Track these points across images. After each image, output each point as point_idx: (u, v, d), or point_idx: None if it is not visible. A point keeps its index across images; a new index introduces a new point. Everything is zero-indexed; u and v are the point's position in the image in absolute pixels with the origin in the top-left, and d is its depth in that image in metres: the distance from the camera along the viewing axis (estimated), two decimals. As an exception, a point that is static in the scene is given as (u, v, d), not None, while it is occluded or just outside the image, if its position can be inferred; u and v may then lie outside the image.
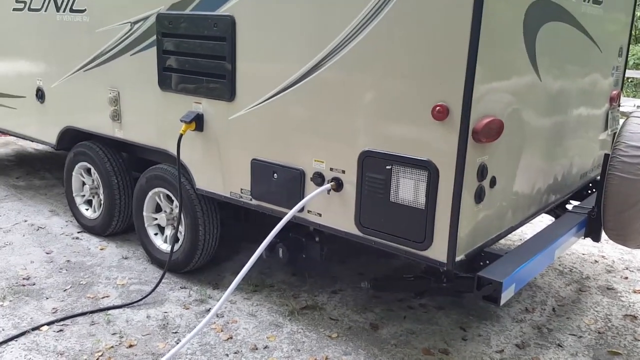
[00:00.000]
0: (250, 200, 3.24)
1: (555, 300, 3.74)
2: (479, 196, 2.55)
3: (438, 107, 2.38)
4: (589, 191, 4.08)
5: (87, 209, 4.57)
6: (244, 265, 2.75)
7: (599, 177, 4.13)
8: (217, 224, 3.72)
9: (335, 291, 3.71)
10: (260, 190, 3.15)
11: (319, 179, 2.87)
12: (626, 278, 4.15)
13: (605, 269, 4.29)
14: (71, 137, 4.46)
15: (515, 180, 2.88)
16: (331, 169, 2.83)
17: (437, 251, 2.54)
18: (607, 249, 4.63)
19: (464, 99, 2.32)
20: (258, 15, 2.95)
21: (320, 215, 2.94)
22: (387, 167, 2.60)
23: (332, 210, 2.88)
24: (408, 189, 2.55)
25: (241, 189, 3.27)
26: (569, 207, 3.76)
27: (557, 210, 3.80)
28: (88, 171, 4.46)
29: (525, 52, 2.68)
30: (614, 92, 4.07)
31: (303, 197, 2.95)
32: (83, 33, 3.98)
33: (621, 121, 3.47)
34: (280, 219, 2.96)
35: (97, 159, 4.26)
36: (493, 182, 2.64)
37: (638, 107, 6.34)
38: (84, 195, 4.56)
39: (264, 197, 3.15)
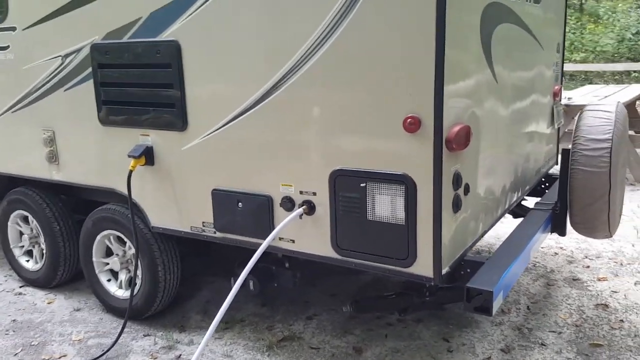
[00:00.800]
0: (214, 233, 3.05)
1: (527, 297, 3.75)
2: (457, 205, 2.49)
3: (409, 119, 2.31)
4: (542, 186, 4.16)
5: (27, 261, 4.19)
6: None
7: (551, 172, 4.24)
8: (177, 261, 3.49)
9: (310, 317, 3.56)
10: (225, 221, 2.97)
11: (288, 203, 2.73)
12: (588, 267, 4.24)
13: (566, 260, 4.37)
14: (2, 184, 4.09)
15: (484, 184, 2.85)
16: (301, 192, 2.70)
17: (422, 266, 2.45)
18: (563, 240, 4.73)
19: (435, 108, 2.26)
20: (205, 38, 2.79)
21: (293, 241, 2.80)
22: (362, 184, 2.50)
23: (306, 235, 2.74)
24: (385, 206, 2.46)
25: (203, 222, 3.07)
26: (524, 204, 3.80)
27: (515, 209, 3.83)
28: (25, 219, 4.09)
29: (483, 55, 2.67)
30: (556, 87, 4.18)
31: (273, 225, 2.80)
32: (8, 71, 3.66)
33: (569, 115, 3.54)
34: (248, 249, 2.80)
35: (34, 205, 3.92)
36: (467, 189, 2.59)
37: (569, 99, 6.61)
38: (22, 246, 4.18)
39: (229, 228, 2.97)
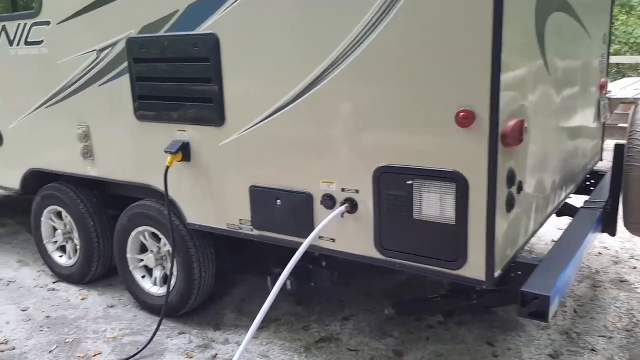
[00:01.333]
0: (252, 231, 2.97)
1: (574, 300, 3.60)
2: (510, 204, 2.37)
3: (463, 113, 2.19)
4: (588, 183, 3.99)
5: (61, 256, 4.18)
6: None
7: (596, 169, 4.06)
8: (212, 259, 3.43)
9: (347, 317, 3.46)
10: (263, 219, 2.89)
11: (329, 201, 2.63)
12: (635, 268, 4.06)
13: (611, 261, 4.20)
14: (37, 180, 4.07)
15: (535, 181, 2.71)
16: (343, 190, 2.60)
17: (473, 269, 2.33)
18: (607, 239, 4.54)
19: (492, 101, 2.13)
20: (244, 31, 2.70)
21: (333, 240, 2.70)
22: (408, 182, 2.39)
23: (348, 234, 2.64)
24: (434, 204, 2.34)
25: (240, 220, 2.99)
26: (569, 202, 3.63)
27: (561, 208, 3.67)
28: (59, 215, 4.08)
29: (537, 44, 2.53)
30: (602, 80, 4.00)
31: (313, 223, 2.71)
32: (42, 66, 3.63)
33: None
34: (284, 247, 2.72)
35: (68, 201, 3.90)
36: (520, 187, 2.46)
37: (608, 92, 6.36)
38: (56, 242, 4.17)
39: (267, 226, 2.89)
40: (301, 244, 2.66)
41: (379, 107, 2.40)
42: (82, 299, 3.88)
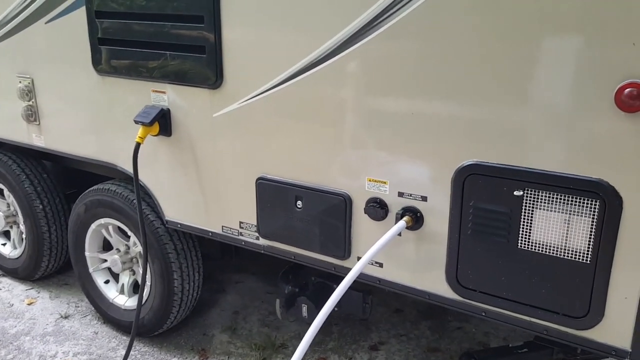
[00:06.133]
0: (257, 239, 2.10)
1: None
2: (671, 233, 1.52)
3: (629, 89, 1.31)
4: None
5: (3, 244, 3.28)
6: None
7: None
8: (198, 266, 2.57)
9: (375, 346, 2.64)
10: (274, 225, 2.02)
11: (378, 209, 1.76)
12: None
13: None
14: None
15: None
16: (400, 194, 1.73)
17: (611, 331, 1.50)
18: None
19: (687, 71, 1.26)
20: (258, -57, 1.76)
21: (381, 265, 1.85)
22: (516, 192, 1.52)
23: (403, 259, 1.79)
24: (556, 230, 1.49)
25: (240, 223, 2.12)
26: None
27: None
28: (0, 193, 3.16)
29: None
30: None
31: (349, 238, 1.85)
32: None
33: None
34: (304, 265, 1.90)
35: (9, 175, 2.97)
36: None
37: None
38: (-4, 225, 3.27)
39: (279, 235, 2.02)
40: (328, 265, 1.85)
41: (467, 70, 1.50)
42: (29, 304, 3.01)
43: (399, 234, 1.72)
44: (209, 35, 1.93)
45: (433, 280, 1.75)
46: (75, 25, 2.29)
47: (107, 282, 2.78)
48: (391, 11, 1.58)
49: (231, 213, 2.13)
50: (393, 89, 1.64)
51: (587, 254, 1.47)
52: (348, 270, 1.90)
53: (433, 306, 2.90)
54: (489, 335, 2.73)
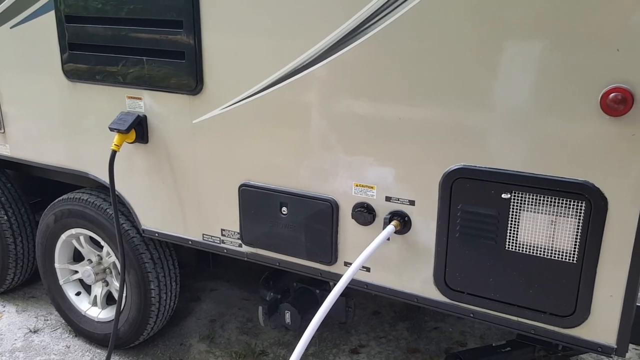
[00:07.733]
0: (239, 246, 2.07)
1: None
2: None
3: (614, 94, 1.35)
4: None
5: (-36, 258, 3.13)
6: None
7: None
8: (175, 275, 2.52)
9: (356, 350, 2.65)
10: (258, 232, 1.99)
11: (366, 214, 1.76)
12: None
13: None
14: None
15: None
16: (388, 199, 1.74)
17: (598, 329, 1.55)
18: None
19: (669, 76, 1.31)
20: (239, -53, 1.74)
21: (368, 269, 1.85)
22: (503, 195, 1.55)
23: (390, 263, 1.80)
24: (543, 231, 1.52)
25: (222, 231, 2.09)
26: None
27: None
28: (-40, 203, 3.01)
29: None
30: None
31: (336, 244, 1.85)
32: None
33: None
34: (285, 271, 1.88)
35: (-29, 185, 2.84)
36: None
37: None
38: (-44, 239, 3.11)
39: (263, 242, 2.00)
40: (315, 271, 1.86)
41: (454, 74, 1.52)
42: (-6, 319, 2.89)
43: (388, 239, 1.73)
44: (189, 41, 1.89)
45: (421, 283, 1.76)
46: (43, 30, 2.21)
47: (78, 294, 2.69)
48: (377, 17, 1.58)
49: (212, 221, 2.09)
50: (378, 95, 1.65)
51: (574, 254, 1.51)
52: (335, 275, 1.90)
53: (410, 307, 2.94)
54: (466, 334, 2.78)
